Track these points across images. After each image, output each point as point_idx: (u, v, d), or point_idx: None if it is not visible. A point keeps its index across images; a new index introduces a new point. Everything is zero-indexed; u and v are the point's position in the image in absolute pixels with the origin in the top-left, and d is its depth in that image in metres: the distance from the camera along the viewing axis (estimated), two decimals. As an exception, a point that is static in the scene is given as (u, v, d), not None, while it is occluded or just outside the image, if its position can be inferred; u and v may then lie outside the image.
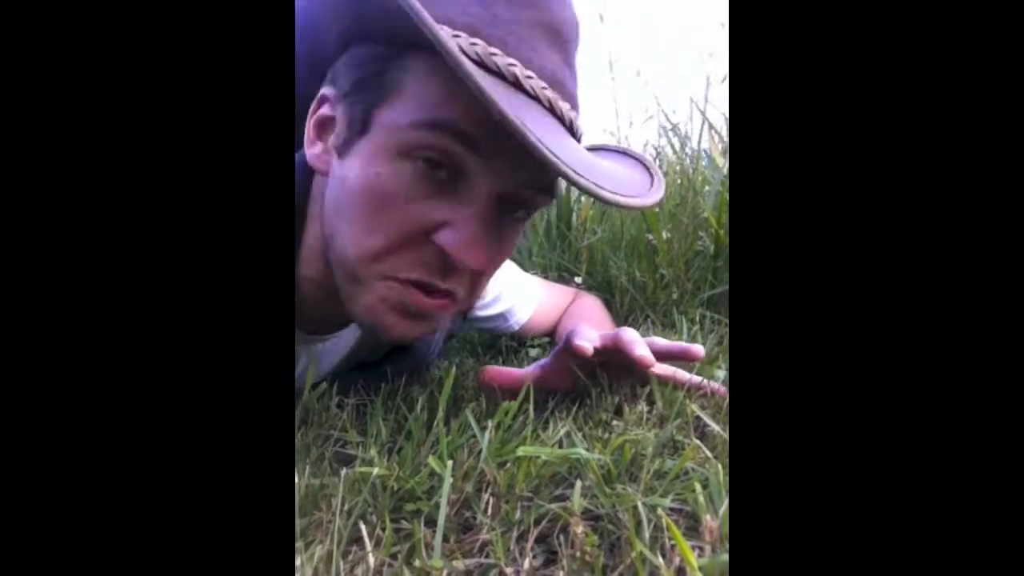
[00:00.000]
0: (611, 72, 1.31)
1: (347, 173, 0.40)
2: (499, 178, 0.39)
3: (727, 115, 1.14)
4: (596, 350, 0.46)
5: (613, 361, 0.47)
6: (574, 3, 0.43)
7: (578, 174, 0.34)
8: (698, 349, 0.46)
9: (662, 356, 0.46)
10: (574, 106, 0.41)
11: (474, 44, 0.36)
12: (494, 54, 0.37)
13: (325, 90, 0.43)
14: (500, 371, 0.50)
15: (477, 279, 0.44)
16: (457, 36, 0.37)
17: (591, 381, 0.49)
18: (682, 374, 0.50)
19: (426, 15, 0.32)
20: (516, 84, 0.37)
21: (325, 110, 0.43)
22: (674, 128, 1.22)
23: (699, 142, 1.15)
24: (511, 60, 0.37)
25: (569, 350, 0.46)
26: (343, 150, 0.41)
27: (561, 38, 0.40)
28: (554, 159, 0.32)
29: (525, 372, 0.51)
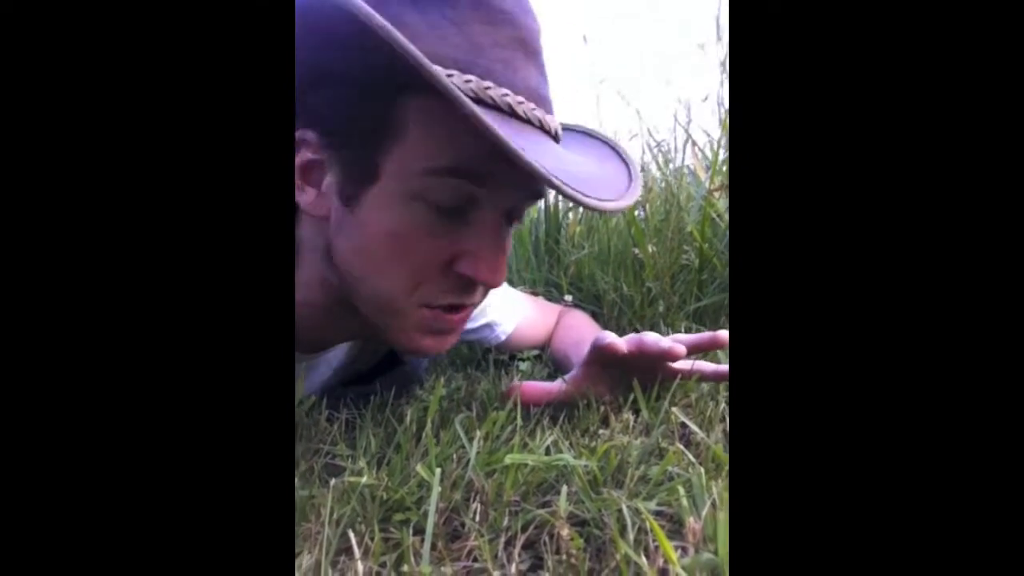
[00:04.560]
0: (596, 92, 1.34)
1: (366, 221, 0.42)
2: (504, 201, 0.43)
3: (709, 132, 1.17)
4: (626, 352, 0.49)
5: (638, 365, 0.51)
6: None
7: (569, 187, 0.37)
8: (723, 335, 0.50)
9: (691, 350, 0.50)
10: (550, 111, 0.45)
11: (468, 81, 0.38)
12: (488, 88, 0.39)
13: (301, 134, 0.43)
14: (534, 386, 0.52)
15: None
16: (451, 75, 0.38)
17: (622, 386, 0.52)
18: (704, 365, 0.53)
19: (426, 61, 0.33)
20: (511, 113, 0.40)
21: (307, 154, 0.43)
22: (658, 145, 1.25)
23: (683, 159, 1.17)
24: (504, 91, 0.39)
25: (598, 357, 0.51)
26: (352, 200, 0.42)
27: (532, 49, 0.42)
28: (558, 182, 0.36)
29: (558, 386, 0.53)
